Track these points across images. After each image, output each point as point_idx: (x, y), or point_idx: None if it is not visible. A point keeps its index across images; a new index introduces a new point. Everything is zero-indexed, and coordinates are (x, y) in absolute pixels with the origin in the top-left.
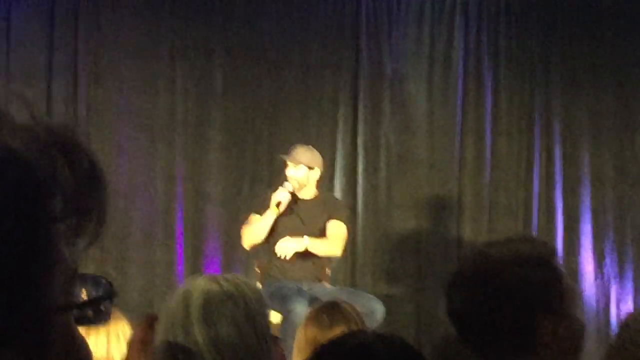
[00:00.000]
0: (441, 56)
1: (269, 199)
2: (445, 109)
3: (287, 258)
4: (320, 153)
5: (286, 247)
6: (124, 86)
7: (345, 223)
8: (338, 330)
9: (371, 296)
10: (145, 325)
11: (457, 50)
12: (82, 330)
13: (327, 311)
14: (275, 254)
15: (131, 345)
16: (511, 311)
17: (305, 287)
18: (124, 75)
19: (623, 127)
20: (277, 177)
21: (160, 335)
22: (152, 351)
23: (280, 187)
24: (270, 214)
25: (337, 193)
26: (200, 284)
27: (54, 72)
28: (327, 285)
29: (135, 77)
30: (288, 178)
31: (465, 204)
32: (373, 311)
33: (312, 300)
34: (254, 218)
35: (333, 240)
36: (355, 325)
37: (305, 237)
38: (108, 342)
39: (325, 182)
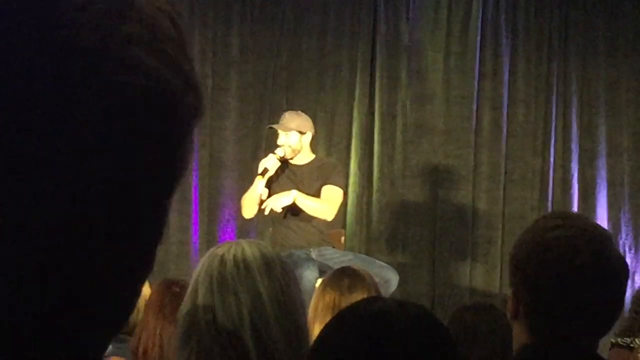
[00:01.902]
0: (459, 25)
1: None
2: (462, 78)
3: (278, 210)
4: (337, 121)
5: (274, 201)
6: None
7: (340, 188)
8: (357, 296)
9: (385, 264)
10: (162, 289)
11: (475, 19)
12: None
13: (347, 276)
14: (279, 222)
15: (148, 308)
16: None
17: (314, 254)
18: None
19: (639, 98)
20: None
21: (189, 299)
22: (177, 316)
23: (270, 154)
24: (258, 182)
25: (353, 161)
26: (235, 248)
27: None
28: (339, 250)
29: None
30: (281, 146)
31: (481, 173)
32: (387, 280)
33: (322, 267)
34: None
35: (324, 202)
36: (375, 291)
37: (293, 190)
38: None
39: (341, 150)
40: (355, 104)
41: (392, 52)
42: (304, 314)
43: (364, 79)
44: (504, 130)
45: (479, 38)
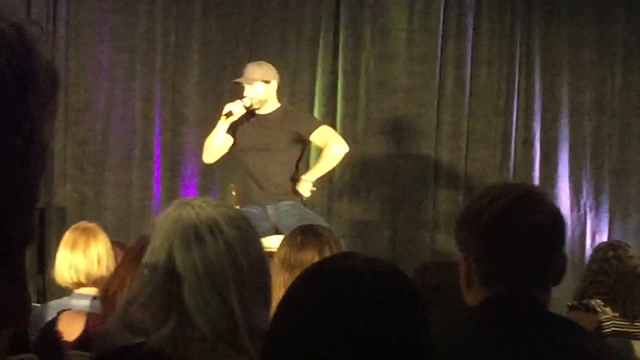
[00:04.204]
0: None
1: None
2: (426, 37)
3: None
4: (300, 78)
5: (307, 187)
6: (103, 6)
7: (321, 125)
8: (307, 253)
9: (322, 220)
10: (137, 246)
11: None
12: (69, 244)
13: (301, 233)
14: (245, 177)
15: (122, 259)
16: None
17: (270, 211)
18: None
19: (603, 60)
20: None
21: (147, 256)
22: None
23: (237, 100)
24: (221, 124)
25: (318, 117)
26: (188, 210)
27: None
28: (296, 205)
29: None
30: (250, 98)
31: (444, 132)
32: None
33: (275, 226)
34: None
35: (330, 145)
36: (329, 250)
37: (303, 178)
38: (98, 258)
39: (304, 107)
40: (319, 61)
41: (356, 10)
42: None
43: (327, 37)
44: (467, 89)
45: None
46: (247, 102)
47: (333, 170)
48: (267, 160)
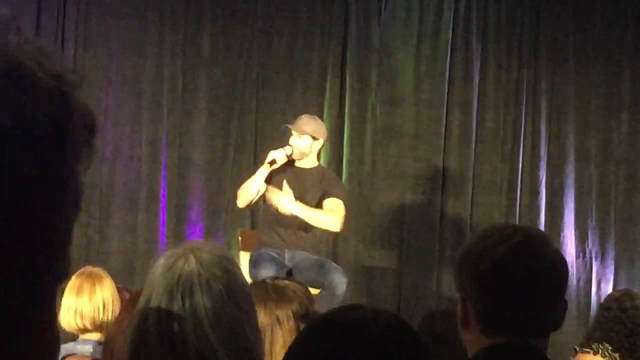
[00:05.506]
0: (430, 29)
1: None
2: (433, 82)
3: (285, 212)
4: None
5: (278, 198)
6: (111, 51)
7: (343, 201)
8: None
9: (336, 267)
10: (140, 292)
11: (446, 23)
12: (74, 289)
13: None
14: (268, 223)
15: (124, 306)
16: None
17: (287, 255)
18: (112, 40)
19: (609, 106)
20: (263, 145)
21: (140, 303)
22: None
23: (280, 148)
24: (262, 170)
25: (322, 163)
26: (180, 258)
27: (40, 33)
28: (311, 255)
29: (124, 42)
30: (291, 146)
31: (450, 177)
32: (330, 282)
33: (284, 267)
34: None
35: (330, 213)
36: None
37: (292, 204)
38: (103, 304)
39: None
40: (326, 106)
41: (363, 55)
42: (253, 331)
43: (334, 81)
44: (473, 135)
45: (449, 42)
46: (289, 150)
47: (308, 227)
48: (291, 218)
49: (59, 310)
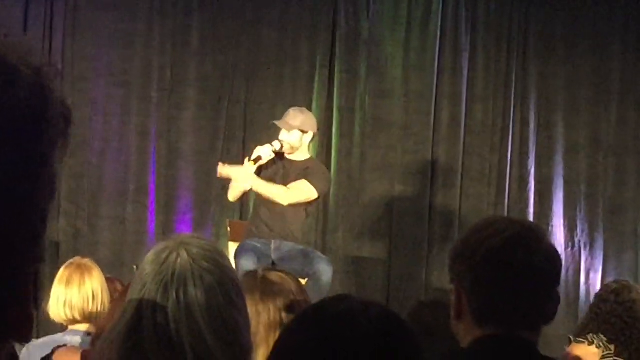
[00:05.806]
0: (419, 20)
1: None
2: (422, 73)
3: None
4: None
5: (238, 177)
6: (100, 41)
7: (314, 188)
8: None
9: (321, 256)
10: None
11: (435, 15)
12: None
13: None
14: (256, 213)
15: (116, 299)
16: None
17: (274, 245)
18: (101, 31)
19: (598, 97)
20: (252, 136)
21: (130, 295)
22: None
23: (267, 144)
24: (248, 166)
25: (311, 154)
26: (172, 252)
27: (29, 24)
28: (296, 245)
29: (112, 33)
30: (281, 141)
31: (439, 168)
32: (315, 272)
33: (266, 257)
34: None
35: (282, 188)
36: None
37: (249, 177)
38: (92, 295)
39: None
40: (314, 97)
41: (352, 47)
42: (245, 324)
43: (323, 73)
44: (462, 126)
45: (438, 34)
46: (277, 145)
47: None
48: (273, 203)
49: (47, 301)
